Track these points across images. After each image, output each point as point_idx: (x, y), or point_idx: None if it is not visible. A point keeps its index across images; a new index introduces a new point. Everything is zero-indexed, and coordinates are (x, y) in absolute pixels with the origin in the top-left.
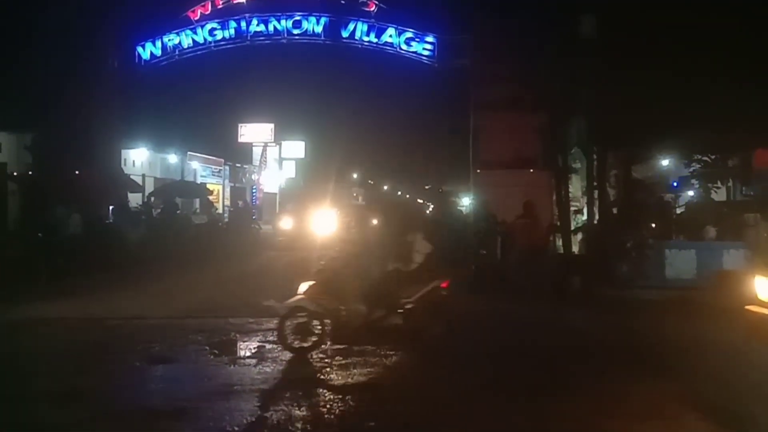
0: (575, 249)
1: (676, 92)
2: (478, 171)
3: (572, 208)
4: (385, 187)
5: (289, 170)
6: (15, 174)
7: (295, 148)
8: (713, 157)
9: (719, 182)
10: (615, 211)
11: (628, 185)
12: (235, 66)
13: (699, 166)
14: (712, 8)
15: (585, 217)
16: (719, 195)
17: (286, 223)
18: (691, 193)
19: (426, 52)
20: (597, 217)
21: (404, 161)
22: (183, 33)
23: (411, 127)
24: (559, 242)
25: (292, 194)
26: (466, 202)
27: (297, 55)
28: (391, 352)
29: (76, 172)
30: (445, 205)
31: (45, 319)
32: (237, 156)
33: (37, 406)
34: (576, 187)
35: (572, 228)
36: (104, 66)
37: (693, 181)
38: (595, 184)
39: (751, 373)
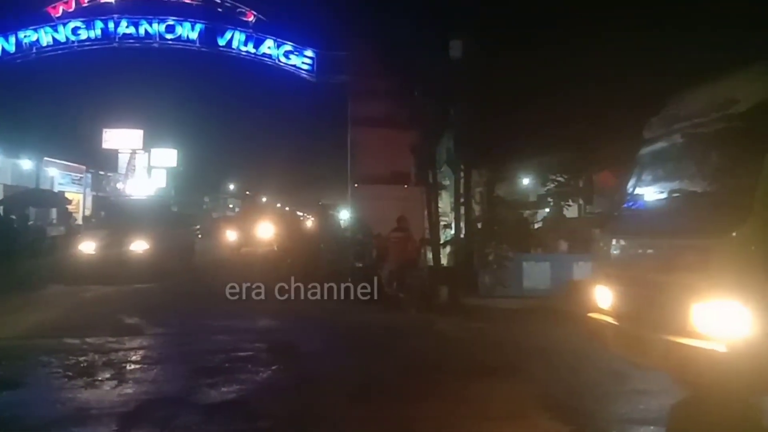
0: (444, 261)
1: (535, 117)
2: (356, 185)
3: (442, 223)
4: (264, 199)
5: (160, 179)
6: None
7: (167, 157)
8: (566, 177)
9: (570, 201)
10: (479, 225)
11: (492, 202)
12: (101, 68)
13: (553, 185)
14: (572, 42)
15: (453, 231)
16: (571, 212)
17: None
18: (547, 210)
19: (305, 66)
20: (463, 231)
21: (284, 174)
22: (42, 30)
23: (291, 140)
24: (430, 255)
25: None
26: (345, 215)
27: (171, 61)
28: (262, 368)
29: None
30: (323, 218)
31: None
32: (101, 163)
33: None
34: (446, 202)
35: (441, 241)
36: None
37: (549, 199)
38: (462, 200)
39: (590, 373)
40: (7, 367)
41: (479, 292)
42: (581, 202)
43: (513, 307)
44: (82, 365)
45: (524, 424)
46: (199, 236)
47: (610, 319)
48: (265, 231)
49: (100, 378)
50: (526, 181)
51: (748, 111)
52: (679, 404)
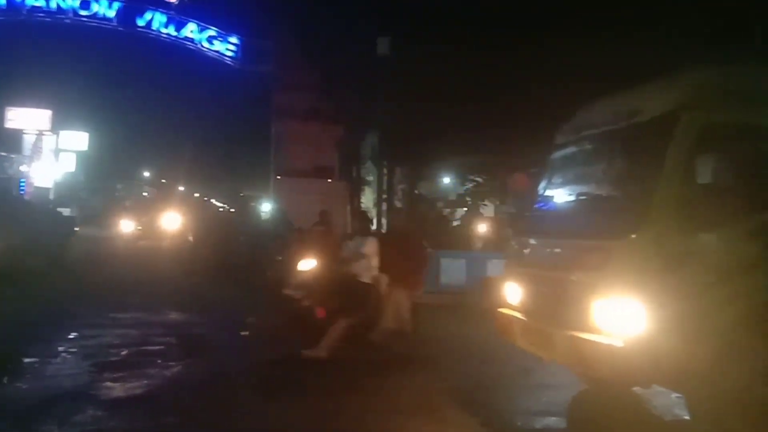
0: None
1: (456, 118)
2: (278, 177)
3: None
4: (181, 188)
5: (69, 163)
6: None
7: (77, 140)
8: (483, 177)
9: (486, 201)
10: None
11: (413, 199)
12: (6, 41)
13: (471, 185)
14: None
15: (375, 227)
16: (488, 211)
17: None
18: (464, 208)
19: (229, 53)
20: (385, 226)
21: (203, 163)
22: None
23: (212, 128)
24: None
25: (72, 190)
26: (267, 207)
27: (86, 39)
28: (171, 363)
29: None
30: (244, 210)
31: None
32: (4, 144)
33: None
34: (369, 198)
35: None
36: None
37: (467, 198)
38: (384, 196)
39: (499, 367)
40: None
41: None
42: (498, 202)
43: (429, 302)
44: None
45: (433, 418)
46: (76, 229)
47: (518, 315)
48: (173, 222)
49: None
50: (446, 180)
51: (649, 121)
52: (579, 396)
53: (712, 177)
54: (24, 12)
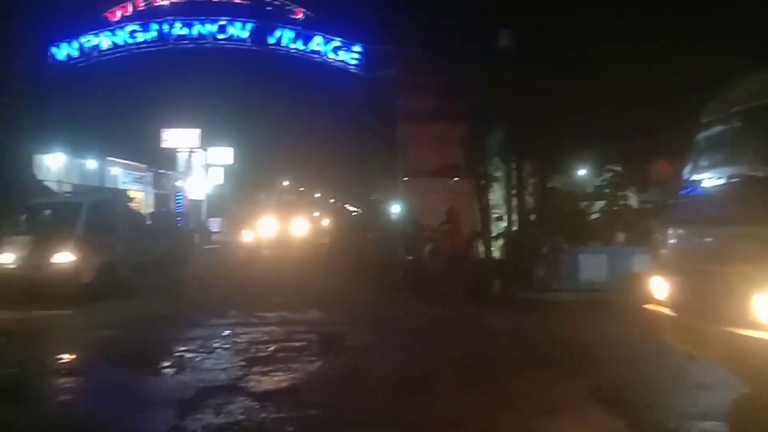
0: (497, 254)
1: (588, 105)
2: (406, 179)
3: (494, 215)
4: (317, 195)
5: (217, 177)
6: None
7: (223, 155)
8: (622, 167)
9: (627, 191)
10: (533, 217)
11: (545, 193)
12: (158, 69)
13: (610, 175)
14: (627, 24)
15: (505, 224)
16: (629, 202)
17: (248, 236)
18: (603, 201)
19: (353, 61)
20: (516, 223)
21: (335, 169)
22: (102, 34)
23: (341, 135)
24: (482, 248)
25: (221, 201)
26: (395, 209)
27: (224, 59)
28: (313, 357)
29: None
30: (374, 213)
31: None
32: (161, 162)
33: None
34: (497, 194)
35: (494, 234)
36: (15, 66)
37: (605, 189)
38: (514, 192)
39: (647, 366)
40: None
41: (533, 286)
42: (639, 192)
43: (568, 300)
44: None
45: (578, 417)
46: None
47: (667, 311)
48: (308, 227)
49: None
50: (581, 171)
51: None
52: (741, 399)
53: None
54: (171, 41)
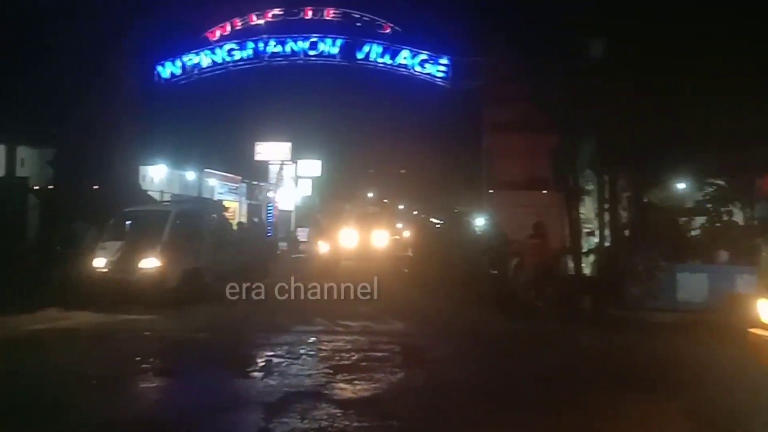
0: (587, 270)
1: (686, 114)
2: (491, 191)
3: (585, 230)
4: (401, 207)
5: (306, 188)
6: (36, 188)
7: (312, 167)
8: (725, 180)
9: (733, 206)
10: (627, 233)
11: (640, 207)
12: (252, 85)
13: (712, 189)
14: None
15: (597, 239)
16: (736, 218)
17: (323, 247)
18: (704, 217)
19: (440, 74)
20: (609, 239)
21: (420, 181)
22: (202, 53)
23: (426, 147)
24: (571, 263)
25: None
26: (479, 222)
27: (314, 75)
28: (396, 368)
29: (95, 187)
30: (458, 225)
31: (62, 330)
32: (254, 174)
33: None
34: (589, 208)
35: (584, 250)
36: (124, 83)
37: (707, 204)
38: (606, 206)
39: (751, 393)
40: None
41: (626, 304)
42: (745, 207)
43: (664, 320)
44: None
45: None
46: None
47: None
48: (390, 239)
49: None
50: (680, 185)
51: None
52: None
53: None
54: (266, 58)
